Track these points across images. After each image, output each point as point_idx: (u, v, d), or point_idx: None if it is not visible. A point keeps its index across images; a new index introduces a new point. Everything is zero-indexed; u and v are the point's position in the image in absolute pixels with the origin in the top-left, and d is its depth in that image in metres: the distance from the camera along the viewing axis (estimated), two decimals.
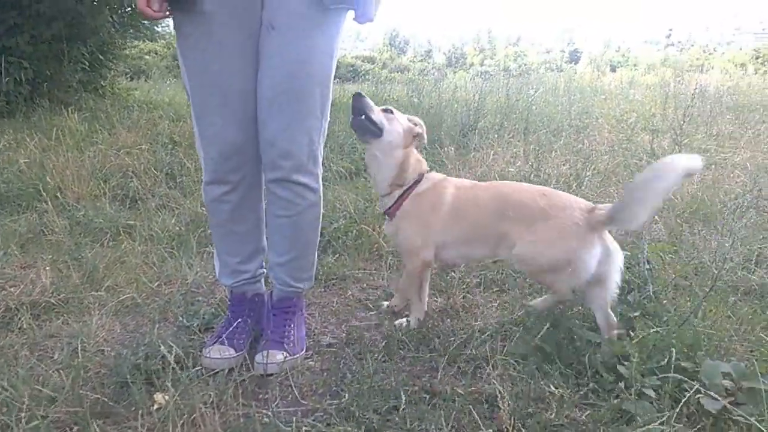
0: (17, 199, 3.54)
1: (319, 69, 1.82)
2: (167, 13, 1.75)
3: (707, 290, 2.12)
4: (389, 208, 2.20)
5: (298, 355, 2.01)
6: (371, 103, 2.17)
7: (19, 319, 2.17)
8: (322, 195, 2.03)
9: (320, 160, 1.97)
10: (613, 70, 29.00)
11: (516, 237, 2.01)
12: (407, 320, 2.23)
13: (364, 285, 2.66)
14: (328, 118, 1.96)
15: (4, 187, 3.61)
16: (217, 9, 1.72)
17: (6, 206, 3.46)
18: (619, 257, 1.97)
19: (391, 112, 2.21)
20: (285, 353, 1.95)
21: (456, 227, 2.12)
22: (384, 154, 2.17)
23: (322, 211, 2.07)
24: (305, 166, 1.90)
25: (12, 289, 2.41)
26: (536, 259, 1.99)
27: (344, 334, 2.20)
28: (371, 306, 2.46)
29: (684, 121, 5.49)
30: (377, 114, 2.16)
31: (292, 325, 2.05)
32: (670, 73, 15.74)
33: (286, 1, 1.75)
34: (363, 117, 2.13)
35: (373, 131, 2.15)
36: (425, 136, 2.31)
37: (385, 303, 2.43)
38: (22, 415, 1.50)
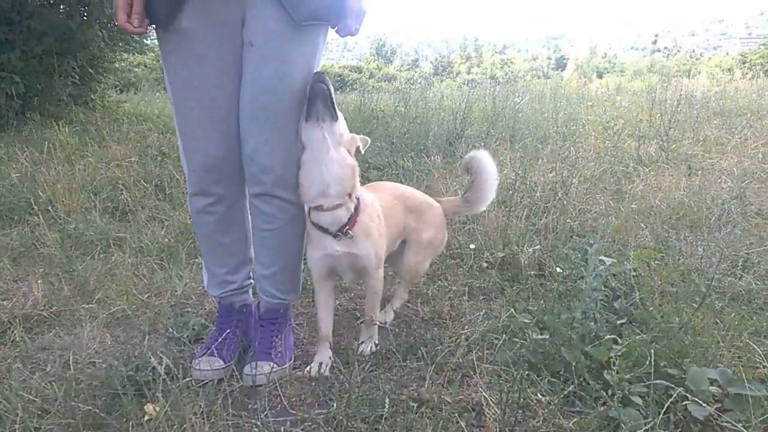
0: (9, 213, 3.55)
1: (297, 85, 1.84)
2: (147, 29, 1.78)
3: (696, 306, 2.14)
4: (345, 224, 1.94)
5: (285, 366, 2.03)
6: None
7: (12, 332, 2.18)
8: (305, 208, 2.05)
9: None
10: (600, 76, 29.30)
11: (414, 226, 2.36)
12: (370, 344, 2.13)
13: (352, 295, 2.68)
14: None
15: None
16: (195, 26, 1.75)
17: None
18: None
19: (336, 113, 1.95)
20: (273, 364, 1.97)
21: (389, 231, 2.18)
22: (335, 147, 1.89)
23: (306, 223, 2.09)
24: (286, 180, 1.92)
25: (4, 303, 2.42)
26: (433, 242, 2.43)
27: (333, 343, 2.22)
28: (359, 315, 2.48)
29: (670, 127, 5.58)
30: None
31: (279, 336, 2.07)
32: (656, 79, 15.91)
33: (263, 19, 1.78)
34: (326, 88, 1.84)
35: (330, 112, 1.87)
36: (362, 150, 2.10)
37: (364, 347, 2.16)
38: (16, 427, 1.52)
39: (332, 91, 1.87)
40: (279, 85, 1.82)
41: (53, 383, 1.83)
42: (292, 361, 2.08)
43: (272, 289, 2.07)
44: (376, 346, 2.11)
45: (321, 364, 2.00)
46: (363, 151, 2.11)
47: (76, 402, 1.71)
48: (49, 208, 3.57)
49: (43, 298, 2.47)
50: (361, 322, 2.23)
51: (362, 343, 2.14)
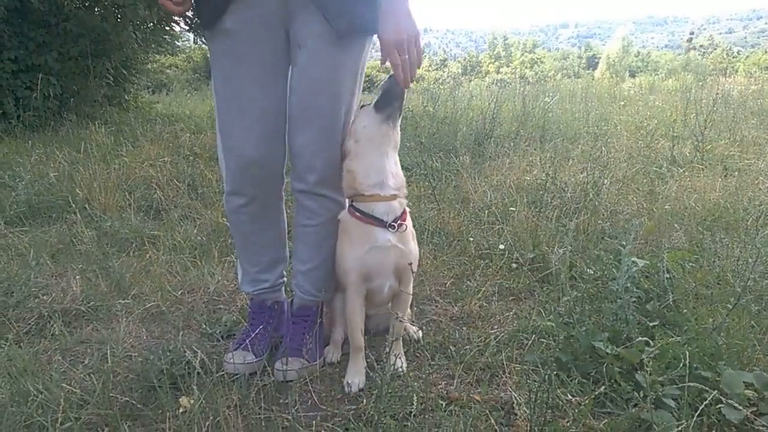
0: (48, 211, 3.65)
1: (344, 87, 1.88)
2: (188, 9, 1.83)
3: (731, 308, 2.10)
4: (399, 216, 1.91)
5: (316, 363, 2.05)
6: None
7: (52, 325, 2.25)
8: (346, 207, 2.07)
9: None
10: (633, 75, 28.79)
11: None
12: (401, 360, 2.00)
13: None
14: None
15: (36, 199, 3.72)
16: (238, 27, 1.79)
17: (37, 218, 3.57)
18: None
19: None
20: (303, 361, 2.00)
21: None
22: (395, 145, 1.95)
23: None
24: (329, 180, 1.95)
25: (44, 297, 2.50)
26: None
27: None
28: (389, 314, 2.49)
29: (706, 127, 5.47)
30: None
31: (310, 333, 2.09)
32: (691, 78, 15.58)
33: (310, 22, 1.80)
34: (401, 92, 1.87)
35: (400, 114, 1.94)
36: None
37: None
38: (58, 416, 1.57)
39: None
40: (327, 86, 1.85)
41: (92, 375, 1.89)
42: (322, 359, 2.10)
43: (308, 285, 2.10)
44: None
45: (357, 382, 1.92)
46: None
47: (114, 393, 1.76)
48: (86, 206, 3.66)
49: (81, 293, 2.54)
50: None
51: (396, 357, 1.96)
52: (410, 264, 1.92)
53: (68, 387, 1.75)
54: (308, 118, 1.87)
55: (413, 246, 1.97)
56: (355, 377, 1.93)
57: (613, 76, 26.02)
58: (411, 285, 1.99)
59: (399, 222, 1.88)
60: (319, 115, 1.87)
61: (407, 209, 1.97)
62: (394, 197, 1.90)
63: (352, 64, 1.88)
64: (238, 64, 1.83)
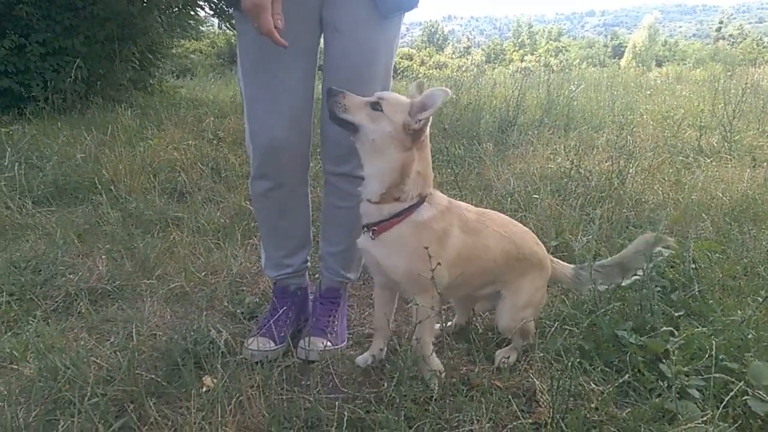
0: (74, 192, 3.71)
1: (381, 70, 1.88)
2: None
3: (760, 300, 2.06)
4: (375, 223, 1.76)
5: (339, 346, 2.06)
6: (348, 100, 1.72)
7: (78, 303, 2.30)
8: None
9: None
10: (659, 64, 28.30)
11: (513, 281, 2.01)
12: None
13: None
14: None
15: (63, 180, 3.78)
16: None
17: (64, 198, 3.63)
18: None
19: (380, 107, 1.70)
20: (327, 342, 2.01)
21: (468, 268, 1.90)
22: (373, 149, 1.73)
23: None
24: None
25: (71, 276, 2.54)
26: (532, 303, 2.00)
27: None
28: (407, 299, 2.49)
29: (734, 117, 5.36)
30: (353, 113, 1.71)
31: (336, 315, 2.10)
32: (720, 68, 15.26)
33: (348, 5, 1.79)
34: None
35: (349, 127, 1.74)
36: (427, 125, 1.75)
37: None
38: (85, 392, 1.60)
39: (340, 108, 1.72)
40: (365, 70, 1.85)
41: (117, 353, 1.93)
42: (345, 343, 2.11)
43: (337, 266, 2.11)
44: (440, 374, 1.82)
45: (372, 356, 1.97)
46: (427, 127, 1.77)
47: (139, 371, 1.79)
48: (112, 187, 3.71)
49: (106, 272, 2.58)
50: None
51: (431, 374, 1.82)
52: (390, 278, 1.81)
53: (97, 362, 1.79)
54: None
55: (398, 261, 1.75)
56: (364, 354, 1.99)
57: (640, 65, 25.59)
58: (417, 296, 1.77)
59: (372, 228, 1.76)
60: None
61: (419, 222, 1.74)
62: (377, 203, 1.75)
63: (389, 43, 1.88)
64: (271, 47, 1.83)
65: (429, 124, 1.72)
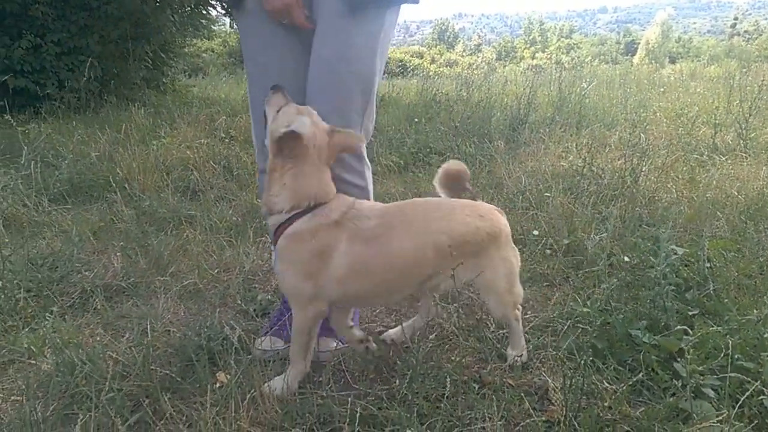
0: (89, 190, 3.75)
1: (361, 66, 1.82)
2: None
3: None
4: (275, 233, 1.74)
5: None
6: (274, 97, 1.74)
7: (94, 300, 2.32)
8: (371, 191, 2.05)
9: (365, 155, 1.98)
10: (673, 61, 28.05)
11: (475, 270, 1.92)
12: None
13: None
14: (374, 116, 1.96)
15: (78, 178, 3.82)
16: (259, 7, 1.79)
17: (79, 196, 3.67)
18: None
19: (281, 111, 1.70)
20: (338, 341, 2.02)
21: (391, 279, 1.84)
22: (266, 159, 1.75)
23: None
24: (348, 163, 1.92)
25: (87, 273, 2.57)
26: (510, 274, 1.97)
27: (394, 324, 2.25)
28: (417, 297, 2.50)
29: (750, 114, 5.30)
30: (269, 107, 1.74)
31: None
32: (735, 64, 15.10)
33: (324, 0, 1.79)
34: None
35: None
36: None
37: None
38: (102, 386, 1.62)
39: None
40: (338, 65, 1.80)
41: (132, 348, 1.95)
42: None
43: None
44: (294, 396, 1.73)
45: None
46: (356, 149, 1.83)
47: (154, 367, 1.81)
48: (126, 185, 3.74)
49: (121, 269, 2.61)
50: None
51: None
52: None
53: (113, 357, 1.81)
54: (321, 98, 1.82)
55: (280, 270, 1.70)
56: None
57: (653, 62, 25.37)
58: (293, 309, 1.73)
59: (274, 239, 1.72)
60: (332, 96, 1.82)
61: (295, 231, 1.66)
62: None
63: (367, 41, 1.82)
64: (263, 43, 1.85)
65: (300, 142, 1.63)
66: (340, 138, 1.70)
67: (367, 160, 2.02)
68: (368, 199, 1.99)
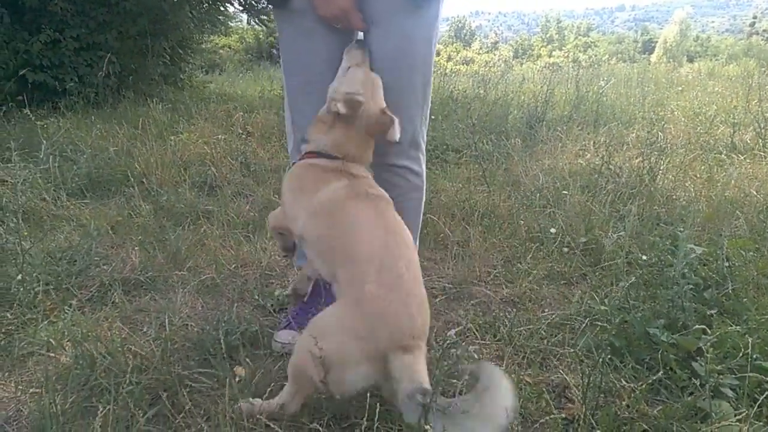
0: (107, 185, 3.78)
1: (420, 58, 1.86)
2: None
3: None
4: None
5: None
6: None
7: (113, 294, 2.34)
8: (425, 180, 2.06)
9: (423, 145, 2.01)
10: (691, 60, 27.71)
11: None
12: None
13: (431, 274, 2.69)
14: (430, 104, 1.99)
15: (96, 172, 3.85)
16: (306, 6, 1.81)
17: (97, 190, 3.70)
18: None
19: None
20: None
21: None
22: None
23: (425, 196, 2.10)
24: (407, 152, 1.96)
25: (105, 267, 2.60)
26: None
27: None
28: (435, 293, 2.50)
29: None
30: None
31: None
32: (754, 64, 14.89)
33: None
34: None
35: None
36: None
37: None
38: (121, 380, 1.63)
39: None
40: (402, 61, 1.84)
41: (151, 342, 1.97)
42: None
43: None
44: None
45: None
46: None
47: (172, 361, 1.83)
48: (143, 180, 3.77)
49: (139, 263, 2.63)
50: None
51: None
52: None
53: (132, 350, 1.83)
54: (387, 92, 1.84)
55: (283, 193, 1.91)
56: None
57: (671, 60, 25.09)
58: None
59: None
60: (396, 91, 1.85)
61: None
62: None
63: (426, 32, 1.86)
64: (307, 41, 1.85)
65: (356, 110, 1.77)
66: (385, 119, 1.76)
67: (423, 147, 2.03)
68: (422, 183, 2.05)
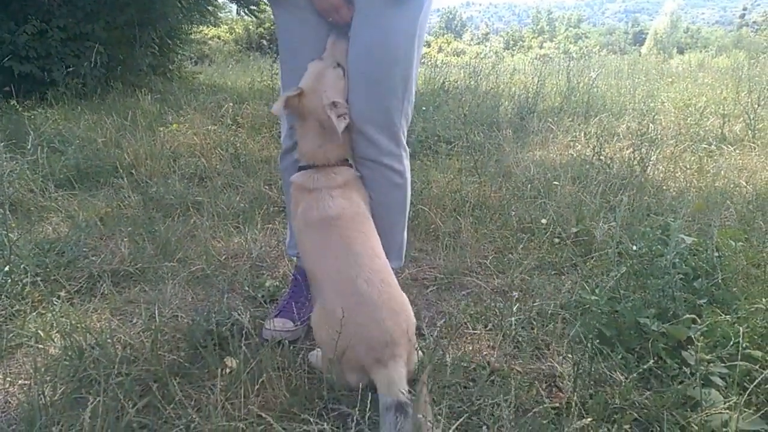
0: (96, 176, 3.74)
1: (400, 51, 1.81)
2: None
3: None
4: None
5: None
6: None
7: (102, 285, 2.32)
8: (408, 176, 2.03)
9: (403, 141, 1.96)
10: (681, 52, 27.81)
11: None
12: None
13: (422, 265, 2.69)
14: (413, 100, 1.95)
15: (84, 164, 3.81)
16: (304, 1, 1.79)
17: (86, 182, 3.67)
18: None
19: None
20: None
21: None
22: None
23: (409, 192, 2.07)
24: (386, 147, 1.90)
25: (94, 258, 2.57)
26: None
27: None
28: (427, 284, 2.50)
29: (758, 105, 5.27)
30: None
31: None
32: (743, 55, 14.97)
33: None
34: None
35: None
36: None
37: None
38: (110, 371, 1.62)
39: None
40: (378, 50, 1.79)
41: (141, 334, 1.96)
42: None
43: None
44: None
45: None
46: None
47: (162, 352, 1.82)
48: (132, 171, 3.74)
49: (128, 255, 2.60)
50: None
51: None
52: None
53: (123, 341, 1.81)
54: (361, 83, 1.82)
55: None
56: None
57: (661, 52, 25.18)
58: None
59: None
60: (369, 81, 1.82)
61: None
62: None
63: (407, 26, 1.80)
64: (300, 29, 1.84)
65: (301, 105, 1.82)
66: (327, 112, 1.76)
67: (405, 145, 1.99)
68: (405, 180, 2.01)
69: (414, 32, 1.83)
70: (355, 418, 1.41)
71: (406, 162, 2.00)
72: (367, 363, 1.53)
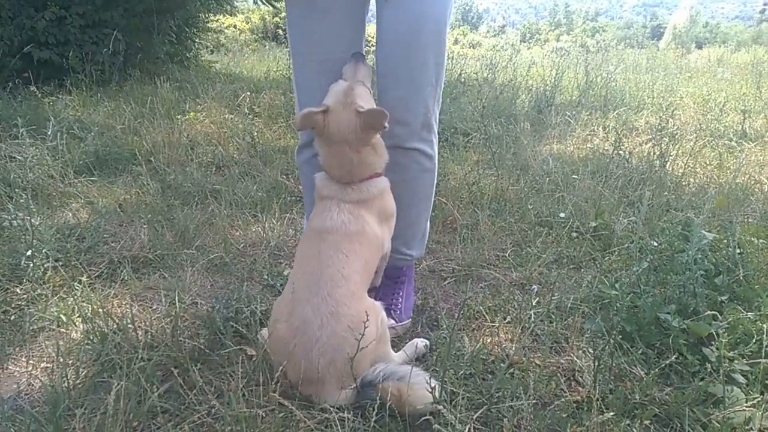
0: (114, 163, 3.76)
1: (433, 37, 1.82)
2: None
3: None
4: None
5: (404, 323, 2.04)
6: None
7: (122, 271, 2.34)
8: (437, 162, 2.03)
9: (435, 126, 1.97)
10: (700, 47, 27.43)
11: None
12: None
13: (440, 257, 2.69)
14: (443, 84, 1.95)
15: (103, 150, 3.83)
16: None
17: (105, 168, 3.69)
18: None
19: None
20: (393, 321, 1.99)
21: None
22: None
23: (436, 179, 2.07)
24: (419, 133, 1.91)
25: (114, 245, 2.59)
26: None
27: (419, 302, 2.25)
28: (445, 276, 2.50)
29: None
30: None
31: (401, 294, 2.07)
32: (763, 51, 14.74)
33: None
34: None
35: None
36: None
37: None
38: (132, 356, 1.64)
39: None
40: (416, 39, 1.79)
41: (161, 319, 1.97)
42: (409, 321, 2.08)
43: (397, 245, 2.02)
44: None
45: None
46: None
47: (183, 338, 1.83)
48: (151, 158, 3.76)
49: (147, 242, 2.62)
50: None
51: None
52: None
53: (142, 327, 1.83)
54: (399, 74, 1.82)
55: None
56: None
57: (679, 47, 24.86)
58: None
59: None
60: (409, 70, 1.82)
61: None
62: None
63: (439, 10, 1.81)
64: (316, 17, 1.82)
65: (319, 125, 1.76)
66: (377, 114, 1.69)
67: (435, 129, 1.99)
68: (434, 166, 2.03)
69: (445, 19, 1.84)
70: (374, 406, 1.42)
71: (437, 147, 2.01)
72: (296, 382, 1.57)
